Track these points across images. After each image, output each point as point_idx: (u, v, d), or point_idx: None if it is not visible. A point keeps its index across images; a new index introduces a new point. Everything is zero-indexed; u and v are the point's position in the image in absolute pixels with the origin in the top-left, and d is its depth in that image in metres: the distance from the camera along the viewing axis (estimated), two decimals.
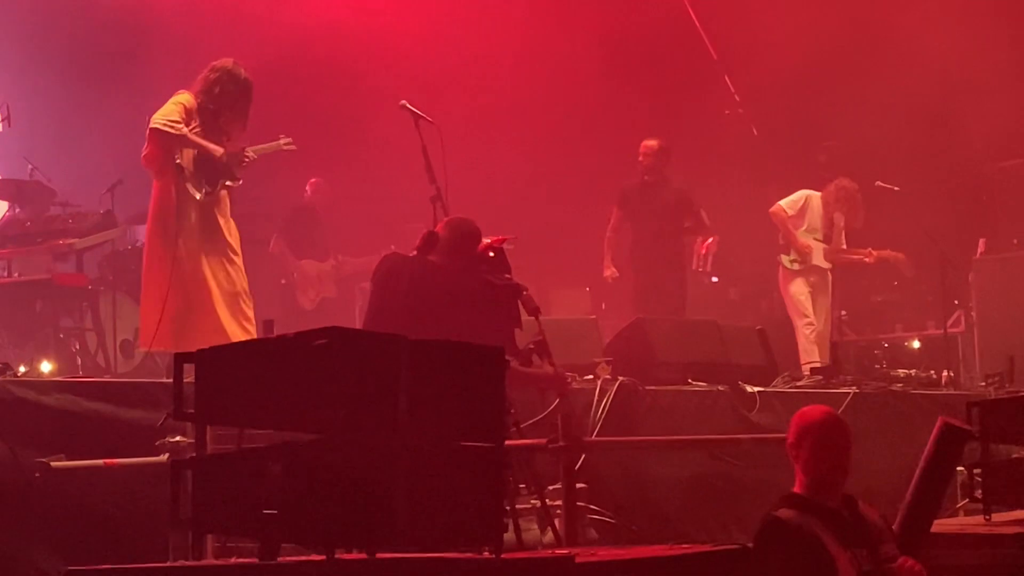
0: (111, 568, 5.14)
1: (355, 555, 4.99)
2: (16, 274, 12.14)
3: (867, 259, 14.36)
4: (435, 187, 9.29)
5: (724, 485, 10.17)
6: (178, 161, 9.81)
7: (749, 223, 15.09)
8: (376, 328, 7.63)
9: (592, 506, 8.94)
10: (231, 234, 10.08)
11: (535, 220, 14.16)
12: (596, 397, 9.78)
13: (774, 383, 11.34)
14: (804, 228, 14.09)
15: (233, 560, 5.70)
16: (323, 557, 4.73)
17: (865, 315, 15.33)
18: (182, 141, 9.80)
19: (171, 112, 9.78)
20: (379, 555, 4.90)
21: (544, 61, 15.54)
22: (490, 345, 5.42)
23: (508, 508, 6.81)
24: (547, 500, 8.07)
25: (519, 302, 8.24)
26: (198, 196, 9.87)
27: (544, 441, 8.21)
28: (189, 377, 5.18)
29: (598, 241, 14.41)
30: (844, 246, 14.23)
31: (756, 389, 10.82)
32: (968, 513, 9.05)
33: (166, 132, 9.72)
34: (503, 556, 5.17)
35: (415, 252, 8.32)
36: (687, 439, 10.06)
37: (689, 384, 10.74)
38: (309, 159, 15.06)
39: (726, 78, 15.29)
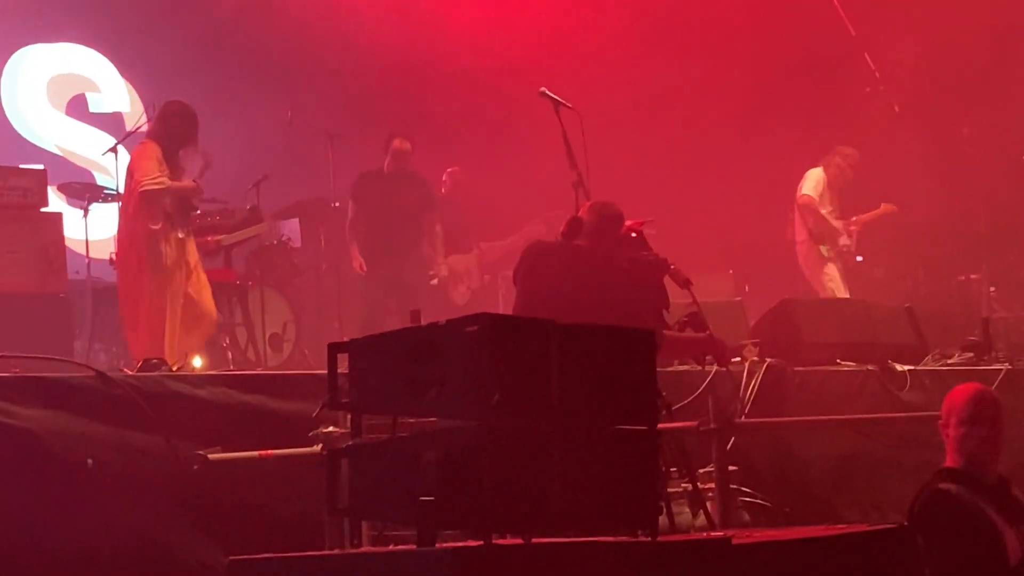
0: (272, 557, 5.20)
1: (511, 540, 5.01)
2: None
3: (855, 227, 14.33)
4: (576, 173, 9.26)
5: (875, 465, 10.07)
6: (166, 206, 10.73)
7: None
8: (528, 315, 7.59)
9: (744, 488, 8.89)
10: (193, 254, 11.05)
11: (676, 203, 14.07)
12: (744, 379, 9.73)
13: (924, 361, 11.19)
14: (828, 210, 14.08)
15: (391, 547, 5.75)
16: (480, 543, 4.76)
17: (1015, 290, 15.01)
18: (167, 192, 10.71)
19: (151, 169, 10.66)
20: (535, 540, 4.92)
21: (684, 42, 15.47)
22: (641, 328, 5.40)
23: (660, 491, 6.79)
24: (698, 483, 8.04)
25: (668, 276, 8.19)
26: (181, 235, 10.84)
27: (695, 424, 8.20)
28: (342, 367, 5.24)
29: (740, 224, 14.32)
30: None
31: (906, 368, 10.69)
32: None
33: (155, 190, 10.65)
34: (659, 539, 5.17)
35: (560, 237, 8.30)
36: (837, 419, 9.97)
37: (838, 364, 10.66)
38: (448, 148, 15.17)
39: (866, 55, 15.09)
